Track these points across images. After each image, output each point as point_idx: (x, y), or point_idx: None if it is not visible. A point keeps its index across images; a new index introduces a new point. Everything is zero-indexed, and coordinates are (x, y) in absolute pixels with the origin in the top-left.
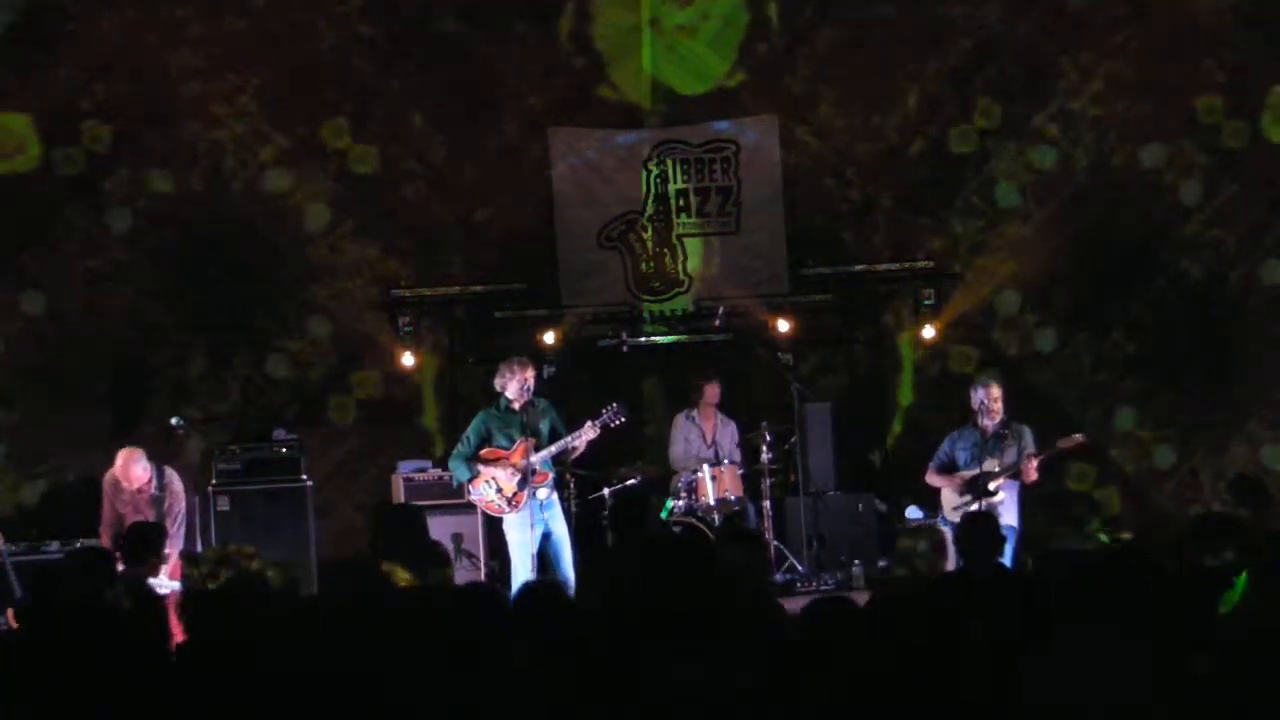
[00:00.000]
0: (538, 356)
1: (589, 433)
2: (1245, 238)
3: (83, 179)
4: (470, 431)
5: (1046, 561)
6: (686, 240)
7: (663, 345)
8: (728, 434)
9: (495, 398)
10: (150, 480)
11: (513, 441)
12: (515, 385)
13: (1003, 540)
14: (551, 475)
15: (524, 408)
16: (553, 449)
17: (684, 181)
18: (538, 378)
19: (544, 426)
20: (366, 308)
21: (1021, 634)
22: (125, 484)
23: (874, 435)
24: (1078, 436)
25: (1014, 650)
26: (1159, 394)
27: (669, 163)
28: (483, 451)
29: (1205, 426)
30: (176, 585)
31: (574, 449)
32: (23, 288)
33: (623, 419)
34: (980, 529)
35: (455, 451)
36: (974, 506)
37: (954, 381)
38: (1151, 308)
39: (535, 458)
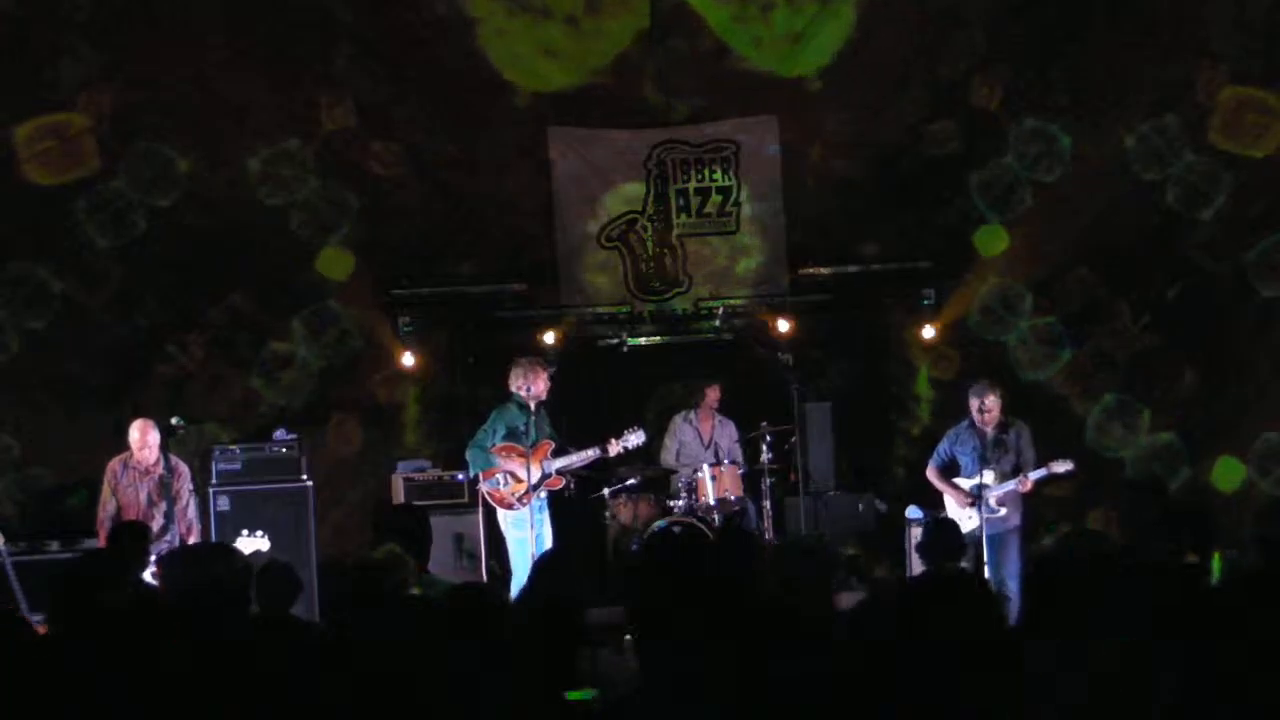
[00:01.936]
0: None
1: (612, 449)
2: (1246, 240)
3: (83, 179)
4: (494, 423)
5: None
6: (688, 240)
7: (663, 345)
8: (726, 434)
9: (507, 396)
10: (158, 462)
11: (533, 440)
12: (533, 384)
13: (962, 548)
14: (565, 482)
15: (535, 411)
16: (574, 458)
17: (684, 181)
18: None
19: (550, 432)
20: (367, 308)
21: (978, 636)
22: (141, 453)
23: (873, 435)
24: (1070, 464)
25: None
26: (1161, 395)
27: (669, 163)
28: (501, 446)
29: (1207, 429)
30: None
31: (589, 460)
32: (24, 288)
33: (642, 443)
34: (941, 535)
35: (475, 441)
36: (978, 520)
37: (954, 382)
38: (1154, 309)
39: (558, 463)
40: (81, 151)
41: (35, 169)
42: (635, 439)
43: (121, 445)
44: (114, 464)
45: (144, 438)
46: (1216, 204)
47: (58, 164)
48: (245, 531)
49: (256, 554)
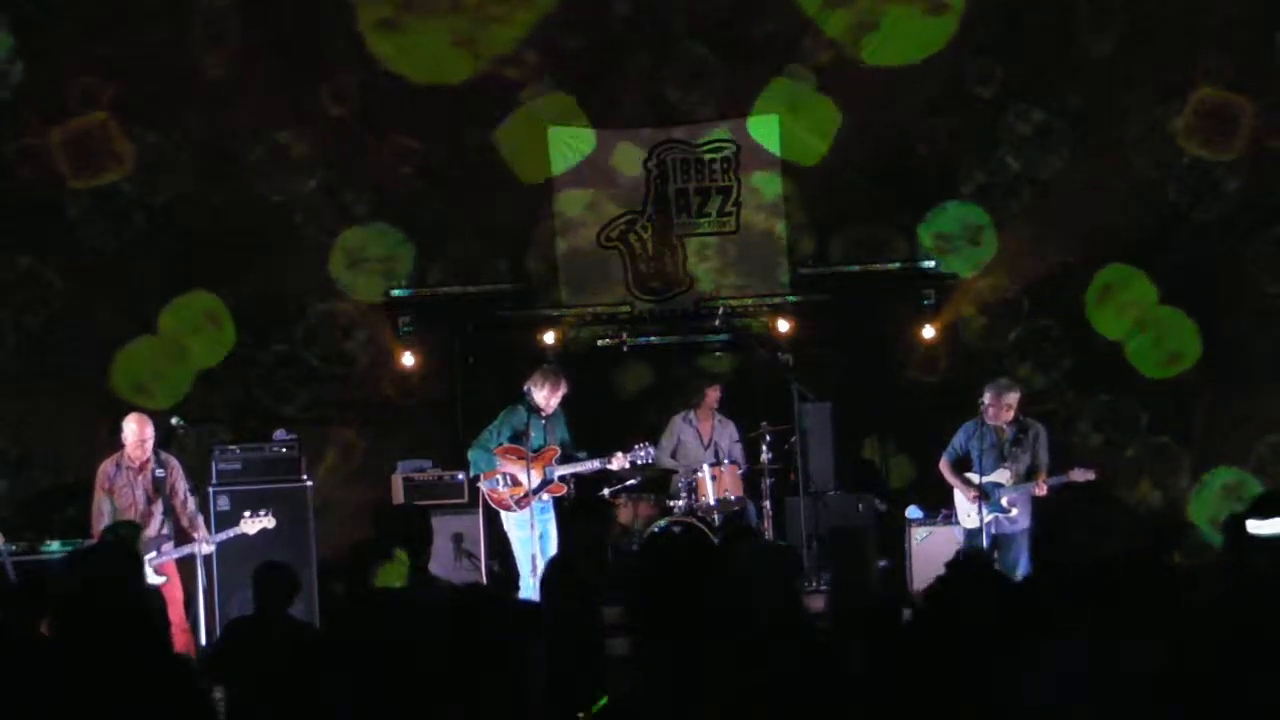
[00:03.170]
0: (537, 356)
1: (616, 462)
2: (1246, 237)
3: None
4: (501, 425)
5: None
6: (687, 240)
7: (662, 345)
8: (726, 434)
9: (519, 398)
10: (150, 460)
11: (538, 445)
12: (548, 396)
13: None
14: (567, 488)
15: (548, 417)
16: (578, 467)
17: (684, 182)
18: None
19: (564, 436)
20: (367, 308)
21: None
22: (136, 449)
23: (873, 435)
24: (1091, 473)
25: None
26: (1161, 397)
27: (669, 163)
28: (504, 447)
29: (1208, 433)
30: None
31: (593, 470)
32: (23, 285)
33: (650, 459)
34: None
35: (480, 441)
36: (989, 518)
37: (954, 381)
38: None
39: (562, 469)
40: (116, 154)
41: (68, 170)
42: (644, 454)
43: (118, 445)
44: (106, 465)
45: (140, 432)
46: (1218, 203)
47: (89, 165)
48: (248, 513)
49: (263, 533)
